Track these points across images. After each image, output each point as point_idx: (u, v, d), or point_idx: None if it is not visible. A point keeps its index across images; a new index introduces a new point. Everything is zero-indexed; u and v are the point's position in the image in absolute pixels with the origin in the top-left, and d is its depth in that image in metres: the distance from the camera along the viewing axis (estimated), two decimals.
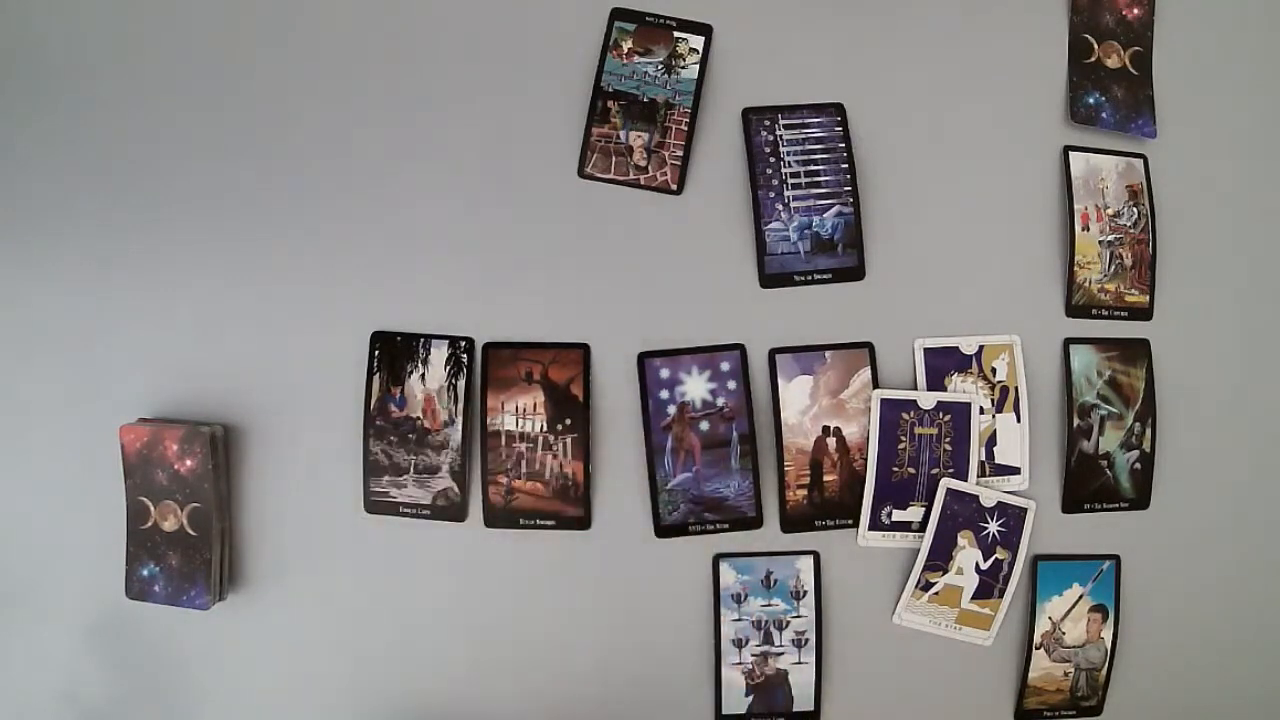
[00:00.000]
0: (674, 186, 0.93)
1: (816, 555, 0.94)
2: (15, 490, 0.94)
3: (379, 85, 0.93)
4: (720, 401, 0.92)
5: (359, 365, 0.92)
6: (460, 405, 0.92)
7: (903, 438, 0.92)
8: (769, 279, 0.93)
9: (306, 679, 0.95)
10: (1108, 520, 0.95)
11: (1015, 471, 0.94)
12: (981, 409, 0.93)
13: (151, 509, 0.90)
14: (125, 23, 0.93)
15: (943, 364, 0.93)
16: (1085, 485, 0.95)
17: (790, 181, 0.92)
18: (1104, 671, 0.96)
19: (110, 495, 0.91)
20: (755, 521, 0.93)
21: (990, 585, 0.93)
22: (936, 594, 0.93)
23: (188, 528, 0.90)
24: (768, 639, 0.93)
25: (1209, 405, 0.97)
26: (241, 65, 0.93)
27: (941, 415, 0.93)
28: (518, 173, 0.93)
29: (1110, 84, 0.96)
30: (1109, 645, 0.96)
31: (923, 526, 0.93)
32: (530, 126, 0.93)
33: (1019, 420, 0.94)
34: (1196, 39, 0.98)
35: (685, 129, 0.93)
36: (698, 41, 0.93)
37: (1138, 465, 0.95)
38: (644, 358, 0.92)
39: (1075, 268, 0.94)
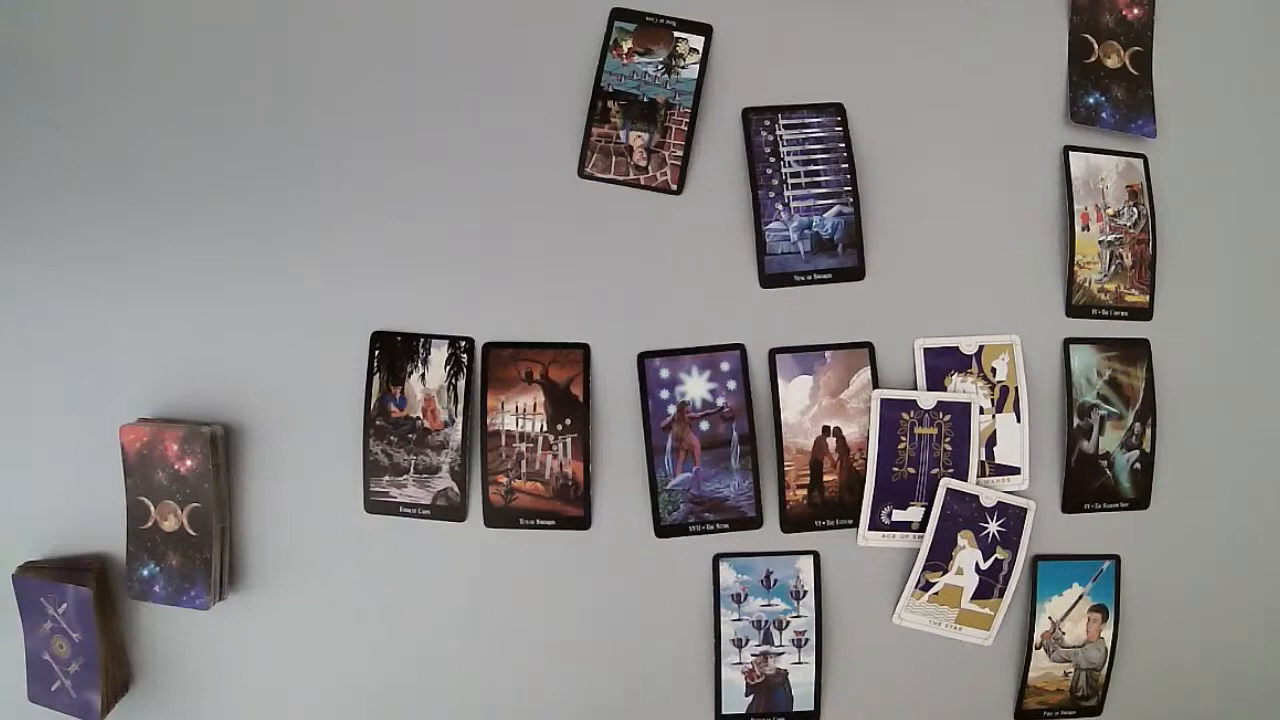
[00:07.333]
0: (674, 186, 0.93)
1: (816, 555, 0.94)
2: (15, 490, 0.94)
3: (379, 85, 0.93)
4: (720, 401, 0.92)
5: (359, 365, 0.92)
6: (460, 405, 0.92)
7: (903, 438, 0.92)
8: (769, 279, 0.93)
9: (306, 679, 0.95)
10: (1108, 520, 0.95)
11: (1015, 471, 0.94)
12: (981, 409, 0.93)
13: (151, 509, 0.90)
14: (126, 23, 0.93)
15: (943, 364, 0.93)
16: (1085, 485, 0.95)
17: (790, 181, 0.92)
18: (1104, 671, 0.96)
19: (110, 495, 0.91)
20: (755, 521, 0.93)
21: (990, 585, 0.93)
22: (936, 594, 0.93)
23: (188, 528, 0.90)
24: (768, 639, 0.93)
25: (1209, 405, 0.97)
26: (242, 65, 0.93)
27: (941, 415, 0.93)
28: (518, 173, 0.93)
29: (1110, 84, 0.96)
30: (1109, 645, 0.96)
31: (923, 526, 0.93)
32: (530, 126, 0.93)
33: (1019, 420, 0.94)
34: (1196, 39, 0.98)
35: (685, 129, 0.93)
36: (698, 41, 0.93)
37: (1138, 465, 0.95)
38: (644, 358, 0.92)
39: (1075, 268, 0.94)
